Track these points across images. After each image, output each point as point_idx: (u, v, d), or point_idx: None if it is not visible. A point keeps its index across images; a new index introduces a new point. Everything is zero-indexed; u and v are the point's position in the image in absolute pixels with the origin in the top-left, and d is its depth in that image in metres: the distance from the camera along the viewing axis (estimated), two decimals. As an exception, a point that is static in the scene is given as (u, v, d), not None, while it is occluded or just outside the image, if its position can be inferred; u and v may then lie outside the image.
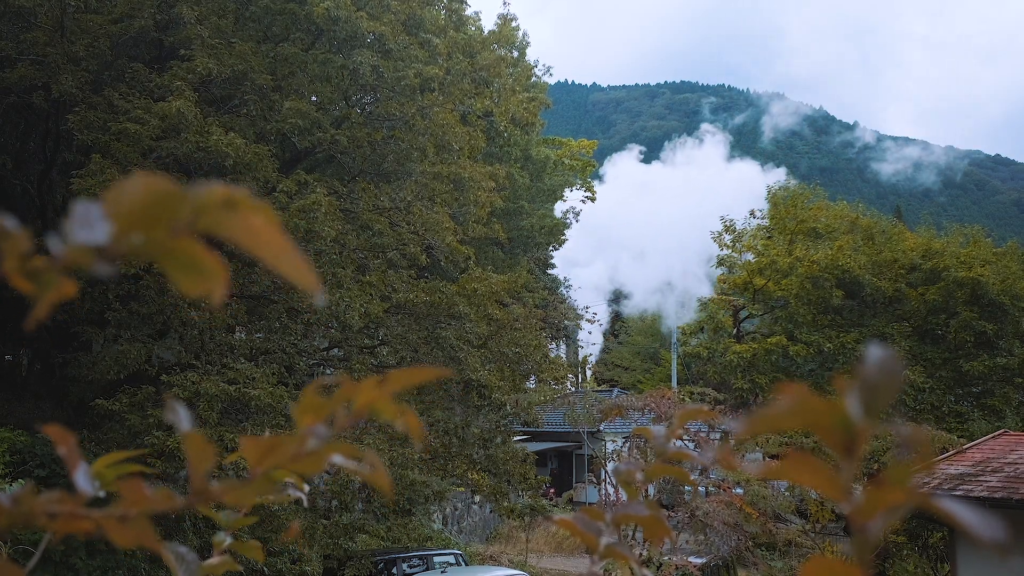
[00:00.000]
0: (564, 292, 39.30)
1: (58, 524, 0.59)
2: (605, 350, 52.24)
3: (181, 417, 0.69)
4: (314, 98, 14.91)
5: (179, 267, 0.48)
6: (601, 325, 41.74)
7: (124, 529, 0.60)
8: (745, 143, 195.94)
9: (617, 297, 56.90)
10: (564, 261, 45.00)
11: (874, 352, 0.47)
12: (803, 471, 0.51)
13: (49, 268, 0.46)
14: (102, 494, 0.68)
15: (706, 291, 35.48)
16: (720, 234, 33.56)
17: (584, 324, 37.68)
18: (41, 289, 0.47)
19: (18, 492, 0.58)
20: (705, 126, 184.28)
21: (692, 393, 21.97)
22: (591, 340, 43.13)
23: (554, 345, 34.70)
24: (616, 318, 55.26)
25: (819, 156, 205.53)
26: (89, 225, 0.45)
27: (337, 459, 0.64)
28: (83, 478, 0.66)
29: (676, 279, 48.18)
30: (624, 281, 56.24)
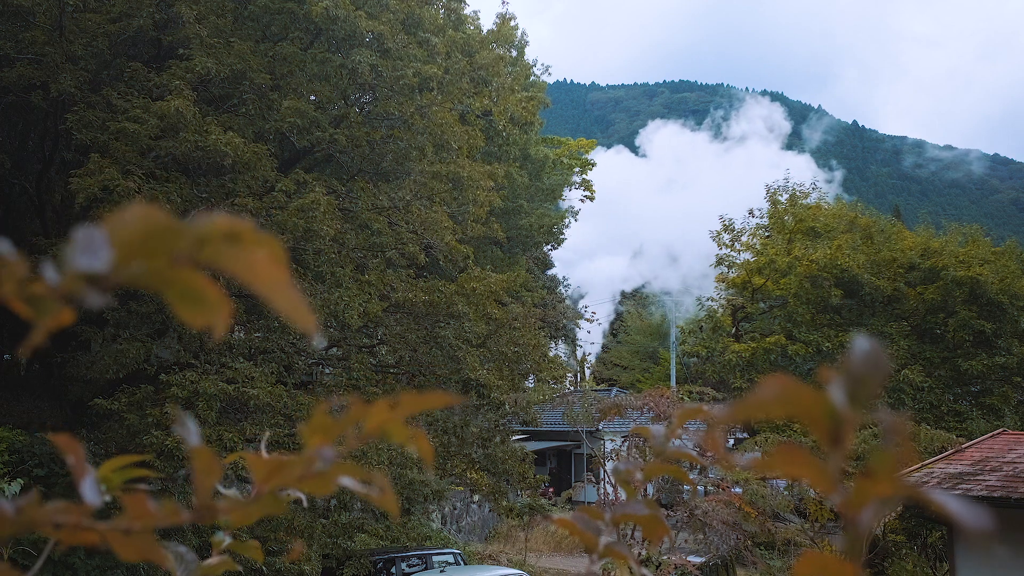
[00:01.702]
0: (563, 291, 39.29)
1: (63, 534, 0.58)
2: (604, 349, 52.28)
3: (190, 431, 0.68)
4: (312, 97, 14.91)
5: (181, 298, 0.48)
6: (600, 324, 41.74)
7: (128, 542, 0.60)
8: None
9: (631, 291, 56.80)
10: (577, 255, 44.84)
11: (860, 343, 0.48)
12: (791, 463, 0.52)
13: (48, 294, 0.46)
14: (108, 498, 0.67)
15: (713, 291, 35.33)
16: (719, 233, 33.51)
17: (583, 323, 37.69)
18: (39, 315, 0.47)
19: (22, 502, 0.57)
20: (746, 97, 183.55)
21: (691, 392, 21.91)
22: (590, 339, 43.11)
23: (552, 344, 34.70)
24: (616, 317, 55.24)
25: (817, 154, 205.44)
26: (91, 252, 0.45)
27: (345, 481, 0.64)
28: (90, 489, 0.63)
29: (691, 275, 48.04)
30: (642, 273, 56.07)
